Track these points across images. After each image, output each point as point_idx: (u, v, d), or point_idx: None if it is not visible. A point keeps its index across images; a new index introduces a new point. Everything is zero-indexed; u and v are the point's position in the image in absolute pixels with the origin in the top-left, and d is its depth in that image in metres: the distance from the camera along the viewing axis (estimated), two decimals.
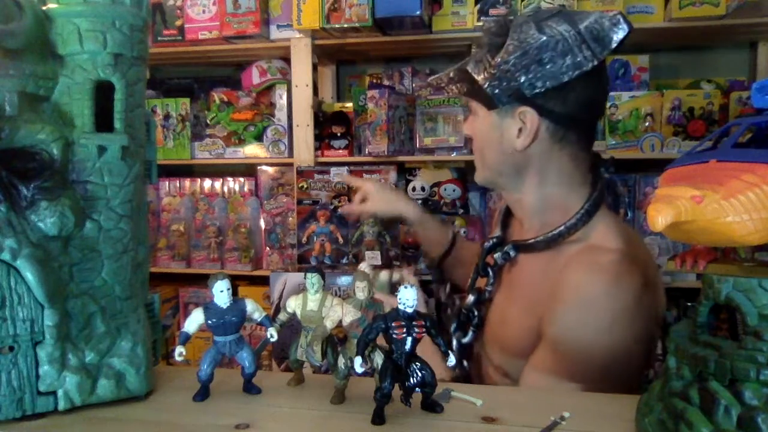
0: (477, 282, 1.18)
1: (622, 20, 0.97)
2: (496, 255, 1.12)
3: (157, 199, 2.52)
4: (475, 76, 1.02)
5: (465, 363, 1.16)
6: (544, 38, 0.96)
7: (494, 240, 1.17)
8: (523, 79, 0.97)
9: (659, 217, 0.55)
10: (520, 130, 1.03)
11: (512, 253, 1.10)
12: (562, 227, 1.03)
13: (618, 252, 0.99)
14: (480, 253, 1.17)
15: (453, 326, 1.18)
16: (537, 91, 0.98)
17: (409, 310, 0.72)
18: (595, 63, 0.96)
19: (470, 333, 1.15)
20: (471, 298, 1.16)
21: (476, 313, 1.14)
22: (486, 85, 1.00)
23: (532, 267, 1.08)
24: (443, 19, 2.12)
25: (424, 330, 0.72)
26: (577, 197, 1.06)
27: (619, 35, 0.97)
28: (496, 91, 1.00)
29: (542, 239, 1.05)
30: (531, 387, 0.99)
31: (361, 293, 0.80)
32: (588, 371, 0.96)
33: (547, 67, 0.96)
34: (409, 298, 0.71)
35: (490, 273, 1.14)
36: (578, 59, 0.96)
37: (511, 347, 1.08)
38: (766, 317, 0.58)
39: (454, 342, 1.16)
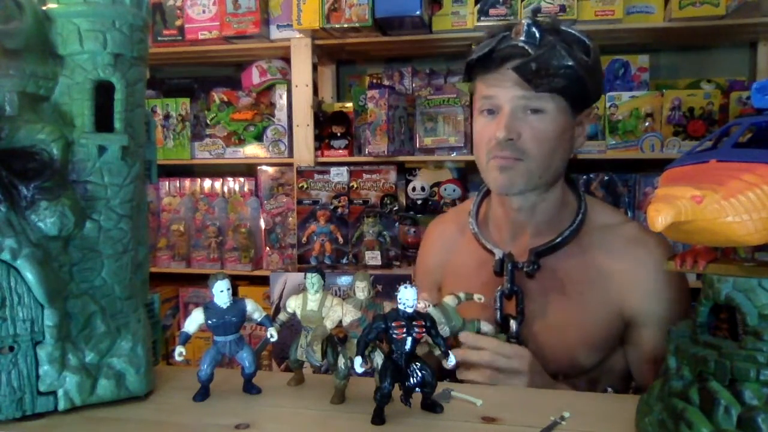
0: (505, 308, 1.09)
1: None
2: (528, 269, 1.06)
3: (157, 199, 2.52)
4: (582, 74, 1.00)
5: None
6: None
7: (510, 259, 1.08)
8: (599, 84, 1.07)
9: (659, 217, 0.55)
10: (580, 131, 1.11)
11: (539, 262, 1.06)
12: (580, 215, 1.09)
13: (629, 222, 1.13)
14: (505, 275, 1.09)
15: None
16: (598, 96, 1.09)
17: (409, 310, 0.72)
18: None
19: None
20: (513, 326, 1.05)
21: (521, 338, 1.06)
22: (592, 86, 1.03)
23: (561, 266, 1.08)
24: (443, 19, 2.12)
25: (424, 330, 0.72)
26: (568, 188, 1.15)
27: None
28: (597, 92, 1.07)
29: (568, 234, 1.08)
30: (649, 373, 1.04)
31: (361, 293, 0.80)
32: None
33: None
34: (408, 298, 0.71)
35: (520, 292, 1.07)
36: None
37: (581, 346, 1.07)
38: (766, 317, 0.58)
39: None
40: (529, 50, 0.99)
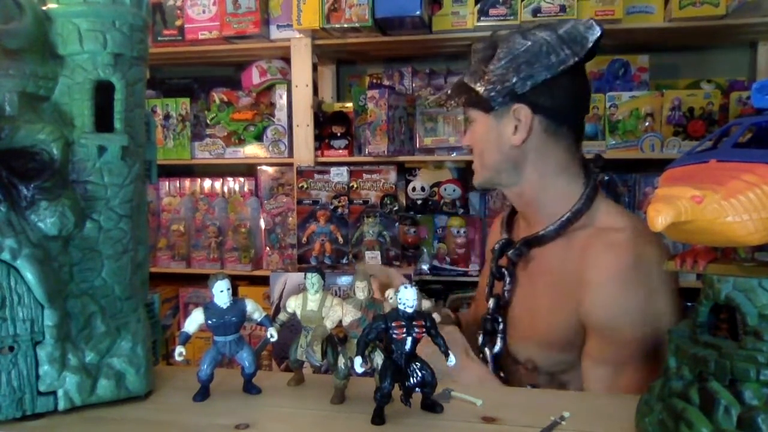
0: (494, 288, 1.21)
1: (594, 24, 1.11)
2: (510, 253, 1.16)
3: (157, 199, 2.51)
4: (472, 85, 1.12)
5: (501, 374, 1.16)
6: (530, 43, 1.08)
7: (502, 242, 1.20)
8: (515, 79, 1.08)
9: (659, 217, 0.55)
10: (516, 127, 1.12)
11: (524, 250, 1.15)
12: (568, 213, 1.11)
13: (628, 229, 1.08)
14: (492, 258, 1.21)
15: (480, 340, 1.18)
16: (528, 87, 1.08)
17: (409, 310, 0.72)
18: (576, 60, 1.08)
19: (499, 341, 1.16)
20: (491, 303, 1.17)
21: (500, 319, 1.16)
22: (483, 90, 1.11)
23: (547, 259, 1.13)
24: (443, 19, 2.12)
25: (423, 330, 0.72)
26: (577, 186, 1.15)
27: (593, 37, 1.09)
28: (492, 93, 1.10)
29: (552, 228, 1.12)
30: (593, 380, 1.04)
31: (361, 293, 0.80)
32: (639, 351, 1.01)
33: (535, 66, 1.07)
34: (409, 298, 0.71)
35: (506, 275, 1.17)
36: (561, 57, 1.08)
37: (545, 340, 1.11)
38: (766, 317, 0.58)
39: (487, 354, 1.16)
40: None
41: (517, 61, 1.07)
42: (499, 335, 1.15)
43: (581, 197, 1.12)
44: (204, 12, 2.29)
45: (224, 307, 0.79)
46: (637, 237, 1.06)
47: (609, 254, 1.05)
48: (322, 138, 2.29)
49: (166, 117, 2.41)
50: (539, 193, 1.15)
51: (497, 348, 1.15)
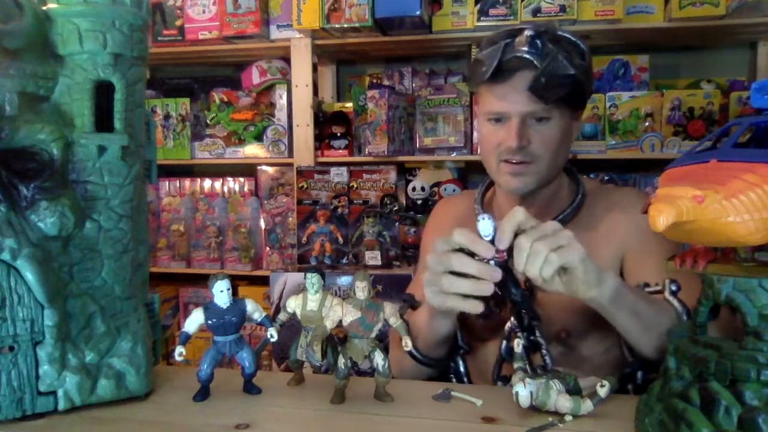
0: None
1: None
2: None
3: (157, 199, 2.51)
4: (582, 79, 1.07)
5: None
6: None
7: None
8: (593, 82, 1.14)
9: (660, 217, 0.55)
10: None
11: None
12: (579, 195, 1.18)
13: (623, 187, 1.20)
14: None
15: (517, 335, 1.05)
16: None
17: (487, 239, 0.84)
18: None
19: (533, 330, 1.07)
20: (519, 297, 1.10)
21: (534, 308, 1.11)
22: (588, 87, 1.11)
23: None
24: (443, 19, 2.12)
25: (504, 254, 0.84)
26: (566, 175, 1.24)
27: None
28: (593, 90, 1.16)
29: (569, 211, 1.16)
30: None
31: (361, 293, 0.80)
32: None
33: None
34: (486, 227, 0.84)
35: None
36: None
37: (584, 311, 1.08)
38: (766, 317, 0.58)
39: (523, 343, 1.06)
40: (535, 62, 1.04)
41: (589, 57, 1.11)
42: (534, 322, 1.11)
43: (579, 181, 1.20)
44: (204, 12, 2.29)
45: (224, 307, 0.79)
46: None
47: (619, 195, 1.18)
48: (322, 138, 2.29)
49: (166, 117, 2.41)
50: (554, 187, 1.19)
51: (535, 335, 1.10)
